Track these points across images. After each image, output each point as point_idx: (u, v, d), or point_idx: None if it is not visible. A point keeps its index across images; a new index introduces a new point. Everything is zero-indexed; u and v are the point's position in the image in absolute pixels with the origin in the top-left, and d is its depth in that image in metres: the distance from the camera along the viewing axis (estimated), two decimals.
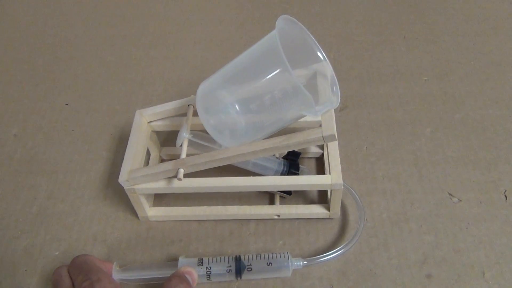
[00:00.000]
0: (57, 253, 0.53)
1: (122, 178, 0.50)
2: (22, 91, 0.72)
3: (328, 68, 0.49)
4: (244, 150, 0.48)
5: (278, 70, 0.45)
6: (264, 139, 0.48)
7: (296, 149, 0.49)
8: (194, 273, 0.45)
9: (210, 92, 0.49)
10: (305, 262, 0.48)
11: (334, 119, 0.48)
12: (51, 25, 0.84)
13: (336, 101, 0.47)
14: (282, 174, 0.54)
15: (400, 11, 0.82)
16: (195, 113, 0.51)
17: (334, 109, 0.49)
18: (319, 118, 0.48)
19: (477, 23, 0.79)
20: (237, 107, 0.48)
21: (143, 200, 0.52)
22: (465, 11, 0.81)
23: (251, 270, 0.47)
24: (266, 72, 0.46)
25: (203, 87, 0.49)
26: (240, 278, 0.47)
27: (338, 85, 0.47)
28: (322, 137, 0.46)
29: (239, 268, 0.46)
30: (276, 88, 0.46)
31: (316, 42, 0.49)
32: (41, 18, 0.86)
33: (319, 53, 0.49)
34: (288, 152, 0.56)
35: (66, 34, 0.82)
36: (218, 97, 0.49)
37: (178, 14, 0.85)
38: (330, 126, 0.47)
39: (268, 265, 0.47)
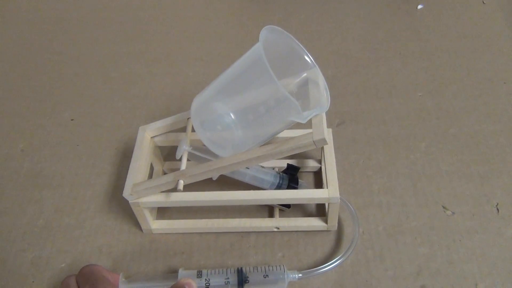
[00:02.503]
0: (63, 265, 0.54)
1: (126, 192, 0.52)
2: (28, 107, 0.74)
3: (318, 74, 0.50)
4: (240, 159, 0.49)
5: (265, 81, 0.46)
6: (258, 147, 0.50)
7: (288, 154, 0.49)
8: (193, 285, 0.47)
9: (204, 105, 0.51)
10: (300, 275, 0.50)
11: (325, 123, 0.48)
12: (56, 42, 0.86)
13: (325, 104, 0.48)
14: (278, 186, 0.56)
15: (396, 29, 0.84)
16: None
17: (332, 125, 0.50)
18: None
19: (470, 40, 0.81)
20: (232, 117, 0.49)
21: (146, 213, 0.54)
22: (458, 29, 0.83)
23: (248, 282, 0.49)
24: (254, 83, 0.48)
25: (197, 101, 0.51)
26: None
27: (328, 90, 0.48)
28: (313, 141, 0.47)
29: (241, 280, 0.48)
30: (268, 97, 0.48)
31: (304, 48, 0.50)
32: (46, 35, 0.88)
33: (307, 58, 0.50)
34: (288, 166, 0.58)
35: (71, 51, 0.84)
36: (213, 109, 0.50)
37: (179, 32, 0.87)
38: (320, 131, 0.47)
39: (265, 277, 0.49)
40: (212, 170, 0.50)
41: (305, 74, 0.52)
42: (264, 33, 0.46)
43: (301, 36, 0.83)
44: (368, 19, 0.87)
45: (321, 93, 0.50)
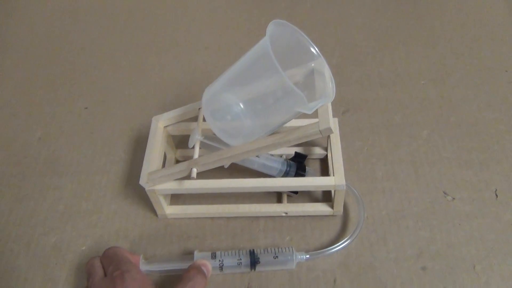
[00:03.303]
0: (84, 248, 0.58)
1: (143, 181, 0.54)
2: (43, 96, 0.76)
3: (323, 64, 0.52)
4: (249, 148, 0.52)
5: (272, 74, 0.47)
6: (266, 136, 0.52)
7: (296, 143, 0.51)
8: (208, 265, 0.51)
9: (215, 95, 0.53)
10: (307, 256, 0.53)
11: (331, 113, 0.50)
12: (68, 32, 0.88)
13: (330, 95, 0.50)
14: (286, 173, 0.59)
15: (400, 17, 0.86)
16: None
17: (337, 113, 0.52)
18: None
19: (473, 29, 0.83)
20: (241, 106, 0.51)
21: (162, 199, 0.57)
22: (462, 17, 0.85)
23: (259, 262, 0.52)
24: (262, 75, 0.50)
25: (207, 92, 0.53)
26: (254, 270, 0.52)
27: (333, 80, 0.50)
28: (319, 130, 0.49)
29: (254, 261, 0.52)
30: (275, 88, 0.49)
31: (309, 40, 0.52)
32: (59, 26, 0.90)
33: (312, 49, 0.52)
34: (295, 154, 0.60)
35: (83, 41, 0.86)
36: (223, 100, 0.52)
37: (188, 21, 0.89)
38: (326, 120, 0.49)
39: (275, 258, 0.53)
40: (223, 159, 0.53)
41: (311, 65, 0.54)
42: (270, 27, 0.47)
43: (306, 24, 0.85)
44: (373, 7, 0.88)
45: (327, 84, 0.52)
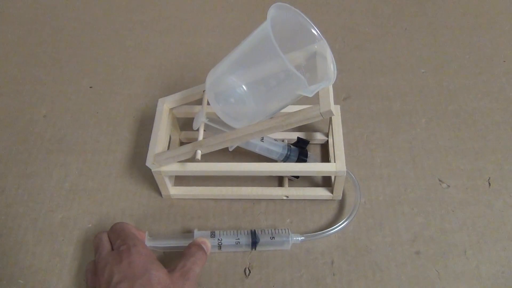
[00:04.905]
0: (90, 225, 0.59)
1: (149, 162, 0.56)
2: (48, 74, 0.77)
3: (325, 47, 0.53)
4: (252, 130, 0.53)
5: (273, 57, 0.48)
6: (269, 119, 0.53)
7: (297, 125, 0.52)
8: (208, 243, 0.53)
9: (218, 79, 0.53)
10: (302, 238, 0.55)
11: (332, 96, 0.51)
12: (72, 8, 0.88)
13: (331, 77, 0.50)
14: (287, 157, 0.60)
15: (402, 4, 0.87)
16: None
17: (339, 99, 0.52)
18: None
19: (474, 17, 0.84)
20: (244, 89, 0.52)
21: (167, 180, 0.59)
22: (464, 5, 0.86)
23: (259, 242, 0.55)
24: (264, 58, 0.51)
25: (211, 75, 0.54)
26: (255, 249, 0.54)
27: (334, 62, 0.51)
28: (320, 113, 0.50)
29: (255, 241, 0.54)
30: (277, 70, 0.50)
31: (310, 22, 0.52)
32: (62, 2, 0.90)
33: (313, 31, 0.52)
34: (298, 140, 0.62)
35: (87, 18, 0.86)
36: (226, 82, 0.53)
37: (191, 1, 0.89)
38: (327, 103, 0.50)
39: (271, 239, 0.55)
40: (226, 141, 0.54)
41: (313, 47, 0.54)
42: (272, 10, 0.48)
43: (310, 9, 0.86)
44: None
45: (328, 66, 0.52)
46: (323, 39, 0.53)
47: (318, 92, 0.51)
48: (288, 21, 0.52)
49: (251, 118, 0.54)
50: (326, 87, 0.51)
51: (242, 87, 0.52)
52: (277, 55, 0.45)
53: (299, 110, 0.51)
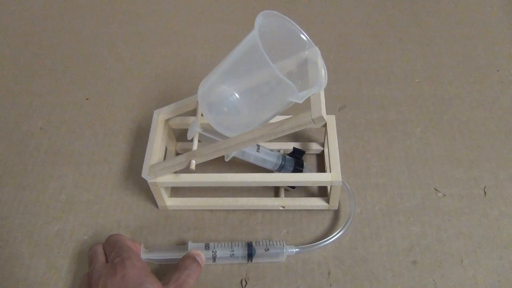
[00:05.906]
0: (86, 237, 0.59)
1: (145, 173, 0.56)
2: (44, 86, 0.77)
3: (316, 53, 0.52)
4: (245, 138, 0.52)
5: (263, 64, 0.47)
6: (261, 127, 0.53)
7: (289, 132, 0.51)
8: (202, 255, 0.53)
9: (211, 88, 0.53)
10: (297, 250, 0.55)
11: (323, 102, 0.50)
12: (68, 21, 0.89)
13: (322, 83, 0.50)
14: (281, 166, 0.60)
15: (397, 14, 0.87)
16: None
17: (334, 109, 0.52)
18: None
19: (468, 27, 0.84)
20: (237, 96, 0.52)
21: (163, 191, 0.59)
22: (457, 15, 0.87)
23: (255, 254, 0.55)
24: (254, 66, 0.51)
25: (203, 86, 0.54)
26: (251, 261, 0.54)
27: (325, 68, 0.50)
28: (312, 119, 0.49)
29: (251, 252, 0.54)
30: (269, 78, 0.50)
31: (299, 28, 0.52)
32: (58, 14, 0.90)
33: (303, 37, 0.52)
34: (294, 150, 0.62)
35: (83, 30, 0.87)
36: (218, 92, 0.53)
37: (187, 12, 0.90)
38: (318, 109, 0.49)
39: (266, 250, 0.55)
40: (220, 150, 0.54)
41: (304, 54, 0.54)
42: (259, 19, 0.47)
43: (304, 19, 0.86)
44: (370, 3, 0.90)
45: (319, 72, 0.51)
46: (314, 45, 0.52)
47: (310, 99, 0.51)
48: (278, 28, 0.52)
49: (244, 127, 0.54)
50: (317, 93, 0.51)
51: (235, 95, 0.52)
52: (266, 63, 0.45)
53: (291, 117, 0.51)
